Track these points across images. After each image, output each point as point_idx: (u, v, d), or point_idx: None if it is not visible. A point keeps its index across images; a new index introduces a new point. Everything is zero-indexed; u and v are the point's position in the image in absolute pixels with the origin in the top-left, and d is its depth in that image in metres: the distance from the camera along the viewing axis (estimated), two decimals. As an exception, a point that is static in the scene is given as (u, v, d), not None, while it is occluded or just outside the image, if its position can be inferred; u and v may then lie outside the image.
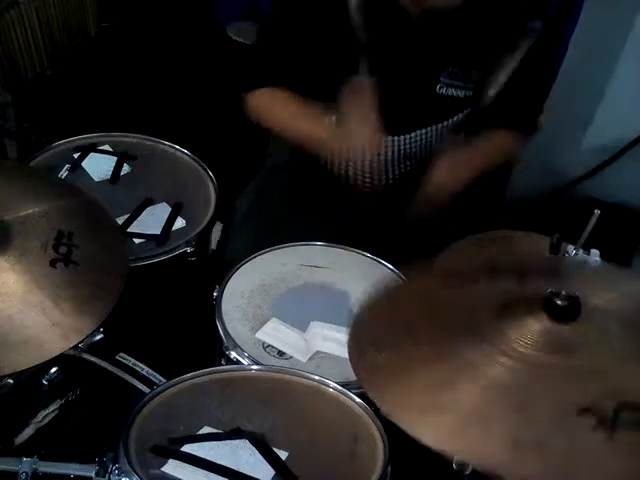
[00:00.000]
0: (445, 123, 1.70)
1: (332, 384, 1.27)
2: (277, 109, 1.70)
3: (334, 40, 1.61)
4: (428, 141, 1.72)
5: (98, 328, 1.33)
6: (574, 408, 0.92)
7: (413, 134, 1.69)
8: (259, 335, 1.40)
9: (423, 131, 1.70)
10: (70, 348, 1.18)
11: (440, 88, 1.63)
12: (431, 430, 0.93)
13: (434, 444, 0.91)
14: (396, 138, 1.69)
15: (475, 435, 0.91)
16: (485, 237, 1.68)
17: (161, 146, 1.84)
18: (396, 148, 1.70)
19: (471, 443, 0.91)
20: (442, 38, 1.59)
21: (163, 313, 1.60)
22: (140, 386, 1.36)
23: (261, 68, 1.73)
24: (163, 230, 1.59)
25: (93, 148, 1.78)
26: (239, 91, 1.72)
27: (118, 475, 1.10)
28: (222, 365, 1.38)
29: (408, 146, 1.71)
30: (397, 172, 1.75)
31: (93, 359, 1.38)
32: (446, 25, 1.58)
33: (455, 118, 1.70)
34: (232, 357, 1.36)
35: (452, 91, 1.64)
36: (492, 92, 1.66)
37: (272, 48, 1.71)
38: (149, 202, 1.65)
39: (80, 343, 1.31)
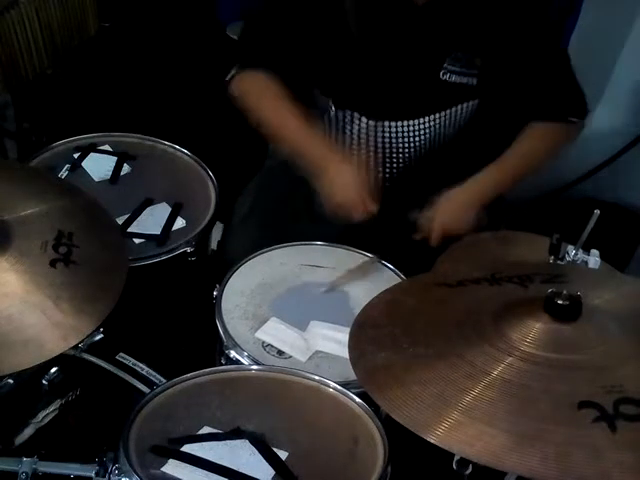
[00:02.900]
0: (449, 111, 1.67)
1: (332, 384, 1.27)
2: (264, 101, 1.62)
3: (329, 26, 1.59)
4: (431, 130, 1.70)
5: (98, 328, 1.33)
6: (575, 403, 0.92)
7: (417, 120, 1.68)
8: (259, 334, 1.40)
9: (427, 119, 1.68)
10: (70, 348, 1.18)
11: (444, 74, 1.62)
12: (432, 428, 0.93)
13: (436, 441, 0.91)
14: (399, 123, 1.68)
15: (477, 432, 0.91)
16: (485, 238, 1.68)
17: (161, 146, 1.84)
18: (400, 134, 1.70)
19: (473, 440, 0.91)
20: (445, 24, 1.58)
21: (163, 313, 1.60)
22: (140, 386, 1.36)
23: (249, 50, 1.68)
24: (163, 230, 1.59)
25: (93, 148, 1.78)
26: (225, 72, 1.66)
27: (118, 475, 1.10)
28: (222, 364, 1.38)
29: (412, 133, 1.70)
30: (400, 163, 1.74)
31: (93, 359, 1.38)
32: (449, 11, 1.57)
33: (459, 107, 1.67)
34: (232, 356, 1.36)
35: (455, 77, 1.62)
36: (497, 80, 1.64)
37: (262, 33, 1.67)
38: (149, 202, 1.65)
39: (80, 343, 1.32)
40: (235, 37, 2.94)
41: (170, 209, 1.64)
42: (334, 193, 1.53)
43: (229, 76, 1.66)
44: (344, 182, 1.53)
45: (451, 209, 1.61)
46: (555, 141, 1.72)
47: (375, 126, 1.68)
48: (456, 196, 1.62)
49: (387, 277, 1.55)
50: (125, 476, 1.09)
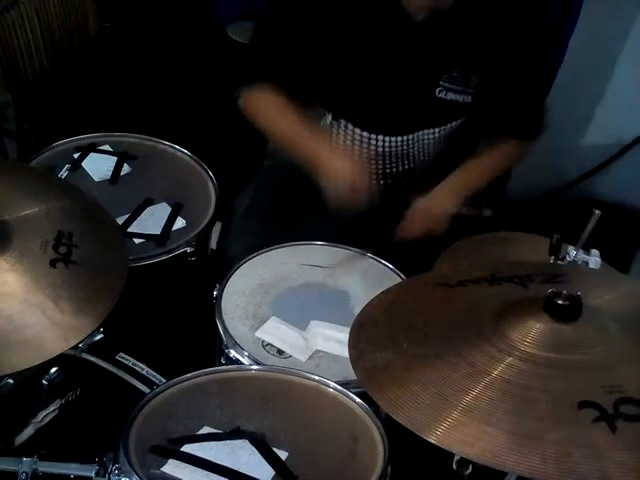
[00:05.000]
0: (443, 128, 1.70)
1: (332, 384, 1.27)
2: (272, 115, 1.65)
3: (331, 39, 1.60)
4: (424, 144, 1.72)
5: (98, 328, 1.33)
6: (575, 403, 0.92)
7: (411, 136, 1.69)
8: (259, 334, 1.40)
9: (419, 133, 1.70)
10: (70, 348, 1.18)
11: (440, 92, 1.63)
12: (432, 428, 0.93)
13: (436, 441, 0.91)
14: (393, 138, 1.69)
15: (477, 432, 0.91)
16: (485, 238, 1.68)
17: (161, 146, 1.84)
18: (393, 149, 1.71)
19: (473, 440, 0.91)
20: (443, 42, 1.59)
21: (163, 313, 1.60)
22: (140, 386, 1.36)
23: (256, 64, 1.70)
24: (163, 230, 1.59)
25: (93, 148, 1.79)
26: (235, 87, 1.68)
27: (118, 475, 1.10)
28: (222, 364, 1.38)
29: (405, 147, 1.71)
30: (392, 174, 1.76)
31: (93, 359, 1.38)
32: (447, 29, 1.58)
33: (453, 123, 1.70)
34: (231, 356, 1.36)
35: (451, 95, 1.64)
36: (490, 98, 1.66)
37: (267, 45, 1.68)
38: (149, 202, 1.65)
39: (80, 343, 1.32)
40: (235, 37, 2.95)
41: (170, 209, 1.64)
42: (333, 182, 1.51)
43: (238, 92, 1.68)
44: (340, 170, 1.52)
45: (430, 207, 1.63)
46: (516, 155, 1.76)
47: (369, 138, 1.70)
48: (435, 195, 1.64)
49: (387, 277, 1.55)
50: (125, 476, 1.09)
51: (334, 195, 1.51)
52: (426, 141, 1.72)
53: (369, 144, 1.71)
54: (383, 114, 1.65)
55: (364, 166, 1.59)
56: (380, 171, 1.75)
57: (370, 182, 1.55)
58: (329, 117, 1.71)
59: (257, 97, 1.66)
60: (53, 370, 1.32)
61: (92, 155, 1.77)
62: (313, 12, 1.60)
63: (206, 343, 1.46)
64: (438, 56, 1.60)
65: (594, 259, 1.34)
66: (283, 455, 1.13)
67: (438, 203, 1.64)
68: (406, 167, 1.75)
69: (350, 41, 1.59)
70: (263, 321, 1.43)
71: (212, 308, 1.45)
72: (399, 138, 1.70)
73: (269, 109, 1.65)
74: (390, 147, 1.71)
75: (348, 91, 1.66)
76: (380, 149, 1.71)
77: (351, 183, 1.51)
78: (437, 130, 1.70)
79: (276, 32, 1.67)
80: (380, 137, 1.69)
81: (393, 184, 1.78)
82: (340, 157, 1.56)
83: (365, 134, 1.69)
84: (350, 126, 1.70)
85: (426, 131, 1.70)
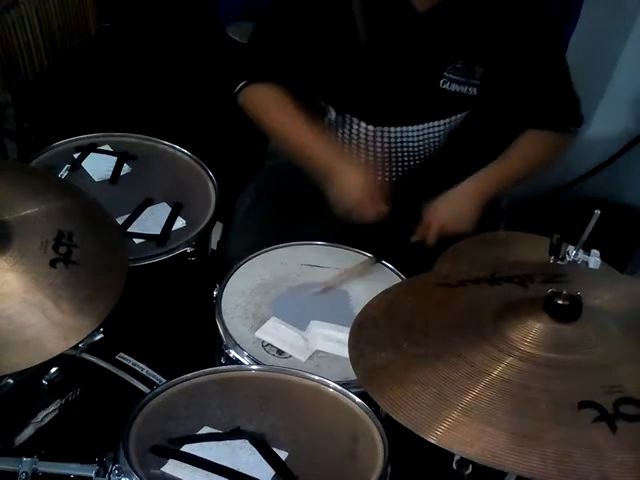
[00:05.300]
0: (448, 120, 1.69)
1: (332, 384, 1.27)
2: (273, 112, 1.64)
3: (334, 33, 1.60)
4: (430, 137, 1.71)
5: (98, 328, 1.33)
6: (575, 403, 0.92)
7: (415, 127, 1.69)
8: (259, 334, 1.40)
9: (425, 125, 1.69)
10: (70, 348, 1.18)
11: (444, 83, 1.63)
12: (432, 428, 0.93)
13: (436, 441, 0.91)
14: (398, 129, 1.69)
15: (477, 432, 0.91)
16: (485, 238, 1.68)
17: (161, 146, 1.84)
18: (398, 140, 1.70)
19: (473, 440, 0.91)
20: (447, 32, 1.59)
21: (163, 313, 1.60)
22: (140, 386, 1.36)
23: (256, 62, 1.69)
24: (163, 230, 1.59)
25: (93, 148, 1.79)
26: (234, 83, 1.67)
27: (118, 475, 1.10)
28: (222, 364, 1.38)
29: (409, 139, 1.71)
30: (399, 168, 1.75)
31: (93, 359, 1.38)
32: (451, 20, 1.58)
33: (458, 116, 1.69)
34: (231, 356, 1.36)
35: (456, 87, 1.63)
36: (497, 90, 1.65)
37: (268, 40, 1.68)
38: (149, 202, 1.65)
39: (80, 343, 1.32)
40: (235, 37, 2.95)
41: (170, 209, 1.64)
42: (344, 195, 1.52)
43: (237, 88, 1.67)
44: (353, 184, 1.53)
45: (451, 208, 1.61)
46: (552, 148, 1.72)
47: (374, 131, 1.69)
48: (455, 195, 1.62)
49: (387, 277, 1.55)
50: (125, 476, 1.09)
51: (343, 206, 1.51)
52: (432, 135, 1.71)
53: (375, 137, 1.70)
54: (388, 106, 1.65)
55: (377, 179, 1.57)
56: (387, 167, 1.75)
57: (382, 196, 1.54)
58: (333, 113, 1.70)
59: (258, 92, 1.65)
60: (53, 370, 1.32)
61: (92, 155, 1.77)
62: (316, 5, 1.60)
63: (206, 343, 1.46)
64: (442, 47, 1.60)
65: (594, 259, 1.34)
66: (283, 455, 1.13)
67: (459, 204, 1.61)
68: (414, 163, 1.75)
69: (353, 33, 1.59)
70: (263, 321, 1.43)
71: (212, 308, 1.45)
72: (404, 129, 1.69)
73: (271, 105, 1.64)
74: (397, 140, 1.70)
75: (352, 84, 1.65)
76: (386, 141, 1.70)
77: (363, 198, 1.51)
78: (442, 123, 1.69)
79: (278, 25, 1.66)
80: (386, 129, 1.68)
81: (401, 181, 1.78)
82: (353, 171, 1.54)
83: (370, 127, 1.69)
84: (355, 120, 1.69)
85: (431, 124, 1.69)
